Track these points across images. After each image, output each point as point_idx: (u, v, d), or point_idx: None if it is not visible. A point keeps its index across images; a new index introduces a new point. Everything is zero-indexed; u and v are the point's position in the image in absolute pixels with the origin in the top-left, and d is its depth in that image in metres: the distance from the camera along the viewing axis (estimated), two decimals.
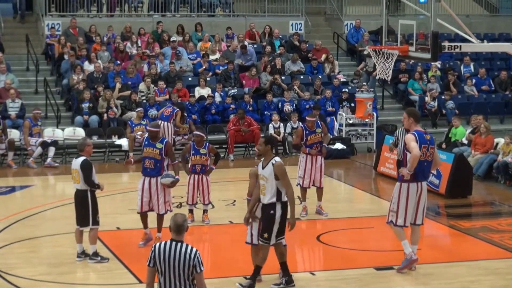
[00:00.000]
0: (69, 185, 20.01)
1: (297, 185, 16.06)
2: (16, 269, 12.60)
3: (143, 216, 13.91)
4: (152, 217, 13.95)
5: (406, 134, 12.38)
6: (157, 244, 8.16)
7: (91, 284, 12.46)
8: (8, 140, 21.74)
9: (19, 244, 14.12)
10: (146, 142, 13.87)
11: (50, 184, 20.87)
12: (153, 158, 13.73)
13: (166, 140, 14.11)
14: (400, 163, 16.61)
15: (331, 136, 23.02)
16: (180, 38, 27.86)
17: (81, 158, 12.79)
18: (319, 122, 16.50)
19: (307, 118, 16.53)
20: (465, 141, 21.60)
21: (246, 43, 28.09)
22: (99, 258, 13.01)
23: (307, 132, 16.11)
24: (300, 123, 23.63)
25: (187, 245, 8.11)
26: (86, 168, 12.69)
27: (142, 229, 13.98)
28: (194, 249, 8.11)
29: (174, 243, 8.12)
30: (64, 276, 12.40)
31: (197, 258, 8.07)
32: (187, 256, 8.04)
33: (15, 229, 15.19)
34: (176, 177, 13.84)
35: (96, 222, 12.95)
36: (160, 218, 13.88)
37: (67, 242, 14.08)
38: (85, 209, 12.87)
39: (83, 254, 13.08)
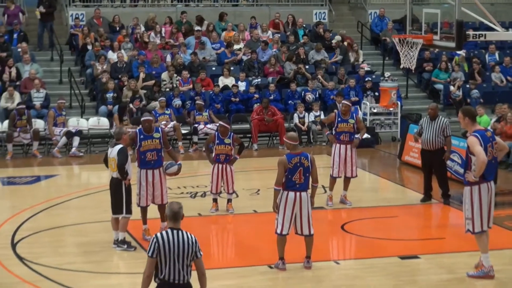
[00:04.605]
0: (94, 175, 20.28)
1: (330, 175, 16.23)
2: (42, 258, 12.68)
3: (146, 210, 13.78)
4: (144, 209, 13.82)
5: (468, 136, 11.31)
6: (159, 235, 8.18)
7: (116, 273, 12.50)
8: (33, 130, 21.85)
9: (44, 234, 14.22)
10: (142, 136, 13.57)
11: (75, 173, 20.96)
12: (155, 149, 13.59)
13: (159, 128, 14.12)
14: (424, 157, 16.64)
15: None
16: (204, 28, 27.83)
17: (119, 146, 12.87)
18: (355, 114, 16.51)
19: (343, 101, 16.59)
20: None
21: (269, 34, 28.06)
22: (125, 246, 13.09)
23: (339, 119, 16.14)
24: (322, 112, 23.74)
25: (185, 232, 8.21)
26: (122, 153, 12.74)
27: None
28: (193, 235, 8.21)
29: (174, 231, 8.18)
30: (90, 265, 12.46)
31: (197, 244, 8.21)
32: (190, 242, 8.14)
33: (41, 219, 15.29)
34: (178, 162, 13.85)
35: (129, 211, 13.05)
36: (164, 208, 13.81)
37: (92, 231, 14.18)
38: (119, 197, 12.96)
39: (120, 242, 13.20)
